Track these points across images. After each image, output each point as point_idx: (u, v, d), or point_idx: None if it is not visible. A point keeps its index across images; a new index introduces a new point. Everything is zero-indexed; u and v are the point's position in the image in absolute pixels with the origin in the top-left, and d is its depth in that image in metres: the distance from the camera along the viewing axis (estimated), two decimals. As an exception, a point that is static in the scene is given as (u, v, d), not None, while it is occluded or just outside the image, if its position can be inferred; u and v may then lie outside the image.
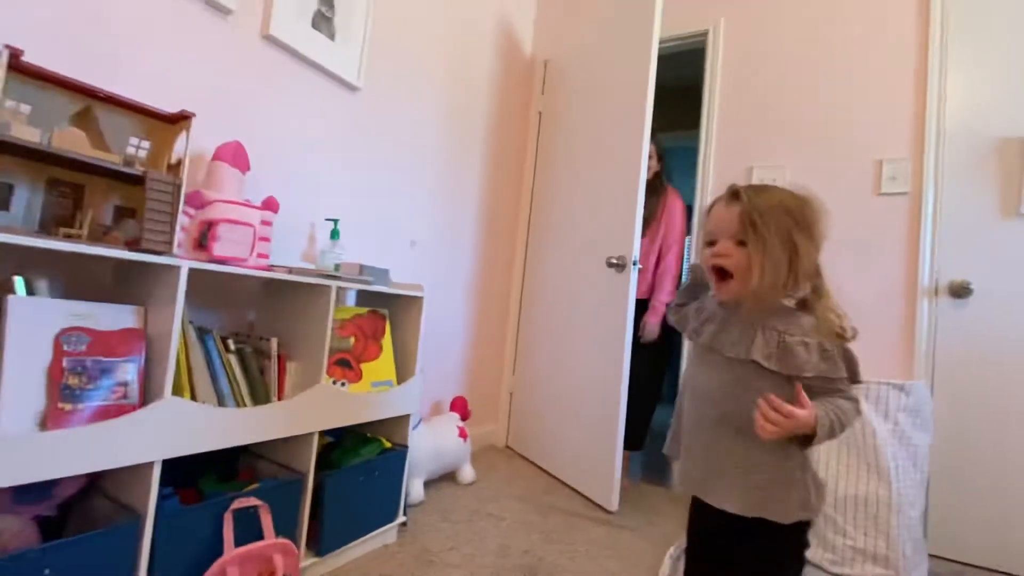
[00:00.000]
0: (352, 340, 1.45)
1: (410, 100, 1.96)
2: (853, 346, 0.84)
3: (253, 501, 1.09)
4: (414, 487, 1.79)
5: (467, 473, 2.05)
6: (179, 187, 1.00)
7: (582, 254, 2.22)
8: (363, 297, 1.66)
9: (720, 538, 0.91)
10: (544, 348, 2.43)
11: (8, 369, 0.80)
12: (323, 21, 1.59)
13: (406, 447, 1.53)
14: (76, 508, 1.00)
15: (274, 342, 1.27)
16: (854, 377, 0.84)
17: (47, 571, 0.80)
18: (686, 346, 2.18)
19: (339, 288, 1.35)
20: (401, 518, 1.52)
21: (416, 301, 1.59)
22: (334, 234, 1.57)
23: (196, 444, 1.00)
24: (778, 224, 0.81)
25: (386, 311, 1.59)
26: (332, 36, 1.62)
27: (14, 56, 0.82)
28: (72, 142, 0.96)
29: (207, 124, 1.26)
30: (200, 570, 0.99)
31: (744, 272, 0.83)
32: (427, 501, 1.81)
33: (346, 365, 1.41)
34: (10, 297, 0.82)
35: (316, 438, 1.25)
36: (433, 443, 1.87)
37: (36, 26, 1.00)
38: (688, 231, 2.35)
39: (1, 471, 0.75)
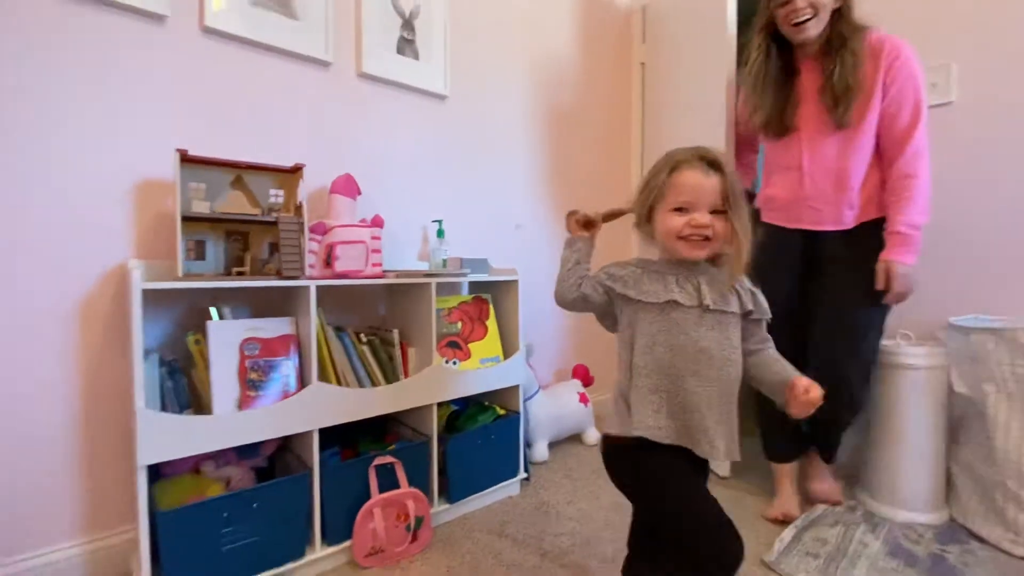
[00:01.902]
0: (460, 324, 1.67)
1: (496, 91, 2.07)
2: None
3: (389, 459, 1.40)
4: (539, 448, 1.99)
5: (591, 435, 2.18)
6: (302, 224, 1.30)
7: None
8: (474, 284, 1.87)
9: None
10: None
11: (214, 372, 1.18)
12: (406, 45, 1.79)
13: (518, 413, 1.72)
14: (279, 461, 1.41)
15: (396, 333, 1.55)
16: (767, 316, 1.00)
17: (255, 504, 1.18)
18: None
19: (441, 282, 1.58)
20: (523, 474, 1.74)
21: (513, 284, 1.74)
22: (439, 233, 1.80)
23: (339, 416, 1.32)
24: (741, 194, 0.91)
25: (489, 296, 1.78)
26: (416, 56, 1.81)
27: (183, 154, 1.18)
28: (234, 204, 1.33)
29: (323, 162, 1.58)
30: (355, 509, 1.32)
31: (723, 238, 0.91)
32: (552, 460, 2.00)
33: (456, 346, 1.64)
34: (209, 323, 1.20)
35: (435, 409, 1.51)
36: (554, 409, 2.04)
37: (194, 125, 1.38)
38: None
39: (217, 438, 1.14)
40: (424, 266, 1.81)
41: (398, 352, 1.55)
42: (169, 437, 1.07)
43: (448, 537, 1.46)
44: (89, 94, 1.21)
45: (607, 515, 1.59)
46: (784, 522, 1.53)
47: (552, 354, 2.32)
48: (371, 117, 1.72)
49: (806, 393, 0.86)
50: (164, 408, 1.18)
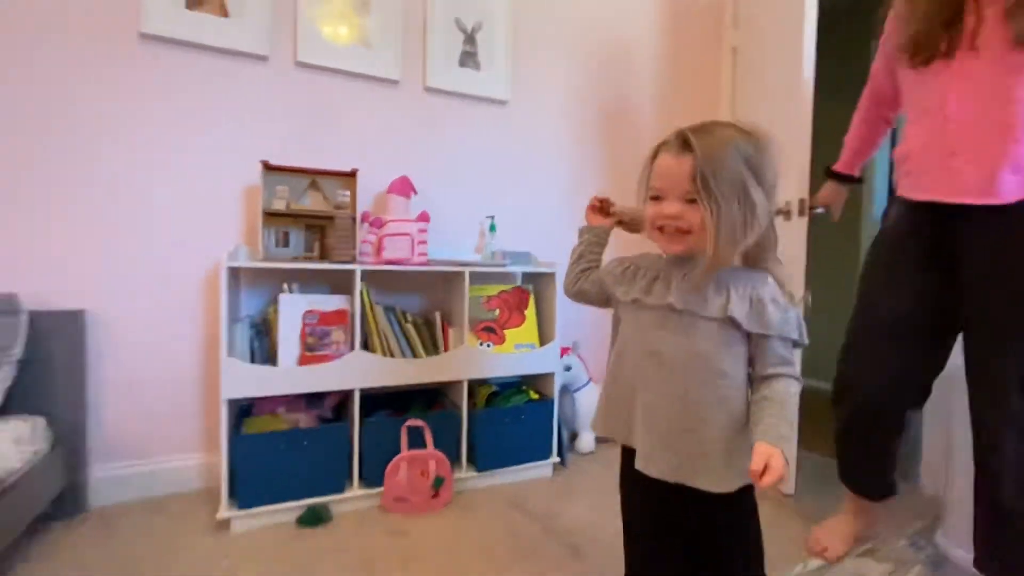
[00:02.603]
0: (497, 311, 1.82)
1: (561, 89, 2.16)
2: None
3: (419, 423, 1.60)
4: (585, 438, 2.03)
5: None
6: (353, 219, 1.57)
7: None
8: (525, 275, 1.99)
9: (683, 517, 0.85)
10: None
11: (281, 334, 1.50)
12: (469, 57, 1.98)
13: (551, 399, 1.80)
14: (341, 413, 1.71)
15: (438, 315, 1.76)
16: (802, 339, 0.81)
17: (305, 443, 1.48)
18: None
19: (487, 271, 1.76)
20: (555, 458, 1.81)
21: (553, 277, 1.82)
22: (492, 228, 1.96)
23: (376, 380, 1.56)
24: (732, 179, 0.73)
25: (530, 286, 1.89)
26: (478, 67, 2.00)
27: (265, 164, 1.52)
28: (313, 203, 1.65)
29: (388, 165, 1.84)
30: (386, 460, 1.55)
31: (701, 229, 0.76)
32: (599, 452, 2.03)
33: (491, 331, 1.79)
34: (280, 296, 1.53)
35: (465, 385, 1.68)
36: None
37: (288, 140, 1.73)
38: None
39: (276, 385, 1.45)
40: (479, 258, 1.99)
41: (440, 332, 1.75)
42: (242, 380, 1.41)
43: (469, 501, 1.62)
44: (211, 120, 1.63)
45: (627, 508, 1.59)
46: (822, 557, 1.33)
47: (604, 349, 2.33)
48: (435, 124, 1.94)
49: (758, 477, 0.70)
50: (253, 360, 1.53)
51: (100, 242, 1.52)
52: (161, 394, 1.60)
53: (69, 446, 1.42)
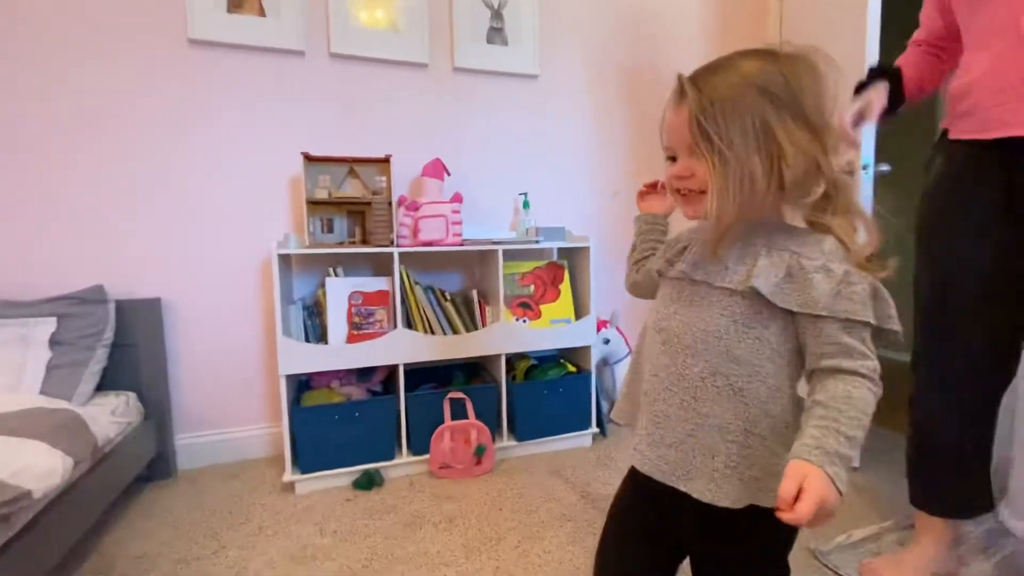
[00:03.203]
0: (532, 287, 1.85)
1: (591, 59, 2.12)
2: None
3: (460, 395, 1.69)
4: (625, 409, 2.06)
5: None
6: (389, 203, 1.65)
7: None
8: (561, 251, 2.01)
9: (674, 533, 0.71)
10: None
11: (330, 315, 1.62)
12: (496, 33, 1.98)
13: (588, 372, 1.84)
14: (389, 386, 1.83)
15: (475, 292, 1.82)
16: (884, 323, 0.59)
17: (357, 414, 1.60)
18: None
19: (522, 248, 1.79)
20: (594, 429, 1.86)
21: (587, 251, 1.83)
22: (525, 204, 1.98)
23: (417, 356, 1.65)
24: (743, 116, 0.58)
25: (564, 262, 1.91)
26: (505, 42, 1.99)
27: (305, 155, 1.61)
28: (353, 190, 1.74)
29: (421, 149, 1.89)
30: (431, 430, 1.65)
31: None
32: (639, 423, 2.05)
33: (527, 307, 1.83)
34: (327, 279, 1.64)
35: (503, 359, 1.74)
36: (642, 373, 2.07)
37: (326, 129, 1.82)
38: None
39: (328, 361, 1.57)
40: (512, 235, 2.02)
41: (477, 309, 1.81)
42: (297, 357, 1.54)
43: (510, 468, 1.70)
44: (255, 116, 1.73)
45: (665, 476, 1.61)
46: None
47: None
48: (465, 105, 1.97)
49: (788, 505, 0.53)
50: (307, 339, 1.66)
51: (169, 237, 1.68)
52: (229, 371, 1.77)
53: (157, 418, 1.61)
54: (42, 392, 1.34)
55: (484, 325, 1.80)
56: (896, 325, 0.59)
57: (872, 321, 0.58)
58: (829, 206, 0.62)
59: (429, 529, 1.36)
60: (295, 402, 1.62)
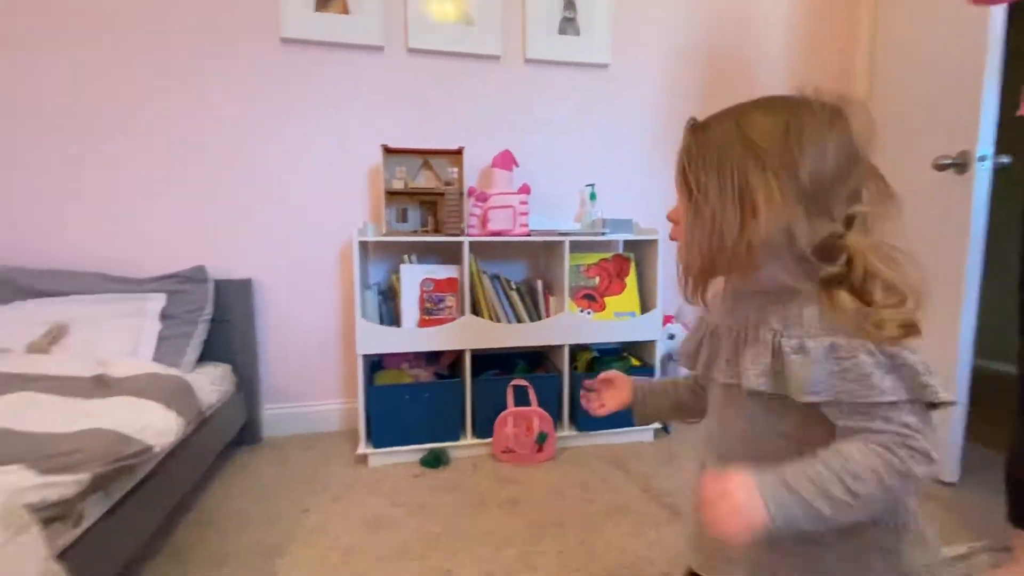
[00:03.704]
0: (597, 280, 1.85)
1: (666, 48, 2.06)
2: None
3: (523, 382, 1.72)
4: (688, 406, 2.02)
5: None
6: (461, 193, 1.70)
7: (904, 152, 1.71)
8: (627, 243, 1.99)
9: None
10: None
11: (403, 300, 1.70)
12: (568, 24, 1.98)
13: (652, 366, 1.82)
14: (455, 370, 1.89)
15: (540, 283, 1.84)
16: (919, 394, 0.49)
17: (426, 394, 1.67)
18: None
19: (587, 240, 1.79)
20: (657, 424, 1.84)
21: (655, 244, 1.81)
22: (592, 196, 1.97)
23: (484, 343, 1.70)
24: (723, 167, 0.54)
25: (631, 254, 1.89)
26: (578, 32, 1.98)
27: (385, 147, 1.69)
28: (427, 181, 1.81)
29: (492, 140, 1.93)
30: (494, 415, 1.70)
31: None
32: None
33: (591, 299, 1.83)
34: (402, 266, 1.71)
35: (566, 349, 1.76)
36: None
37: (405, 122, 1.89)
38: None
39: (401, 344, 1.65)
40: (579, 227, 2.02)
41: (542, 299, 1.84)
42: (373, 339, 1.63)
43: (571, 457, 1.72)
44: (338, 110, 1.83)
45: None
46: None
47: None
48: (536, 96, 1.99)
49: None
50: (382, 322, 1.75)
51: (260, 223, 1.82)
52: (309, 349, 1.90)
53: (248, 388, 1.76)
54: (154, 359, 1.50)
55: (548, 315, 1.82)
56: (936, 395, 0.49)
57: (893, 398, 0.49)
58: (800, 266, 0.54)
59: (493, 510, 1.41)
60: (368, 381, 1.72)
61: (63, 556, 0.83)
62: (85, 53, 1.65)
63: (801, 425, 0.55)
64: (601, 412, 0.80)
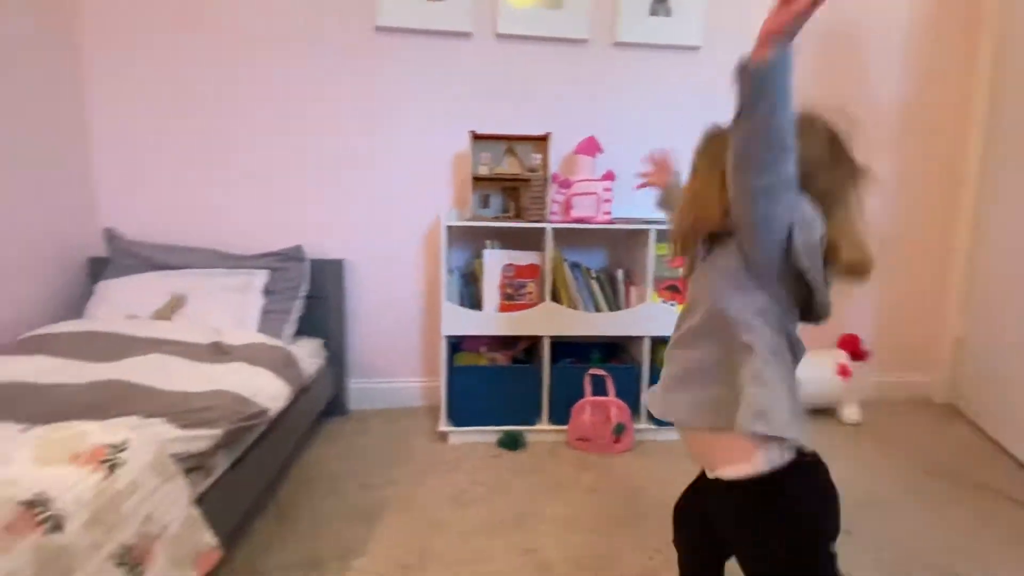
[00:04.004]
0: (681, 270, 1.79)
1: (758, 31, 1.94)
2: None
3: (602, 372, 1.71)
4: (772, 406, 1.93)
5: (848, 413, 1.95)
6: (545, 180, 1.69)
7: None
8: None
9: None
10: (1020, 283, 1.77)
11: (484, 285, 1.72)
12: (659, 5, 1.90)
13: (737, 363, 1.75)
14: (529, 356, 1.91)
15: (620, 272, 1.81)
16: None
17: (506, 378, 1.70)
18: None
19: (665, 229, 1.73)
20: (738, 423, 1.77)
21: (746, 234, 1.72)
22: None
23: (563, 330, 1.70)
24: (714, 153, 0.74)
25: (719, 245, 1.81)
26: (669, 13, 1.91)
27: (473, 134, 1.71)
28: (510, 167, 1.82)
29: (576, 126, 1.90)
30: (569, 402, 1.70)
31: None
32: (787, 423, 1.92)
33: (675, 290, 1.78)
34: (484, 251, 1.74)
35: (646, 341, 1.72)
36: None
37: (489, 107, 1.90)
38: None
39: (482, 327, 1.69)
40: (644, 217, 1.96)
41: (622, 289, 1.81)
42: (457, 321, 1.68)
43: (648, 449, 1.70)
44: (426, 95, 1.87)
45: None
46: None
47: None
48: (623, 80, 1.94)
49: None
50: (461, 306, 1.79)
51: (351, 206, 1.90)
52: (393, 327, 1.98)
53: (337, 362, 1.86)
54: (258, 331, 1.61)
55: (628, 305, 1.79)
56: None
57: None
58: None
59: (574, 494, 1.42)
60: (449, 361, 1.77)
61: (198, 503, 0.92)
62: (199, 41, 1.78)
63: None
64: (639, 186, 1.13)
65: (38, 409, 0.96)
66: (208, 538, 0.86)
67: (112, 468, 0.75)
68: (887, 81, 2.01)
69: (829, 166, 0.68)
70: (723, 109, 1.98)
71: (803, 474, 0.66)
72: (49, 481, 0.69)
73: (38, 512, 0.65)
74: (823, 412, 2.00)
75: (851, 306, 2.13)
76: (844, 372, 1.94)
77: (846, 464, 1.62)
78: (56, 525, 0.65)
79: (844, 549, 1.19)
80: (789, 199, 0.62)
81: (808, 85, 1.96)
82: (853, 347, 2.01)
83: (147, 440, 0.83)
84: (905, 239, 2.11)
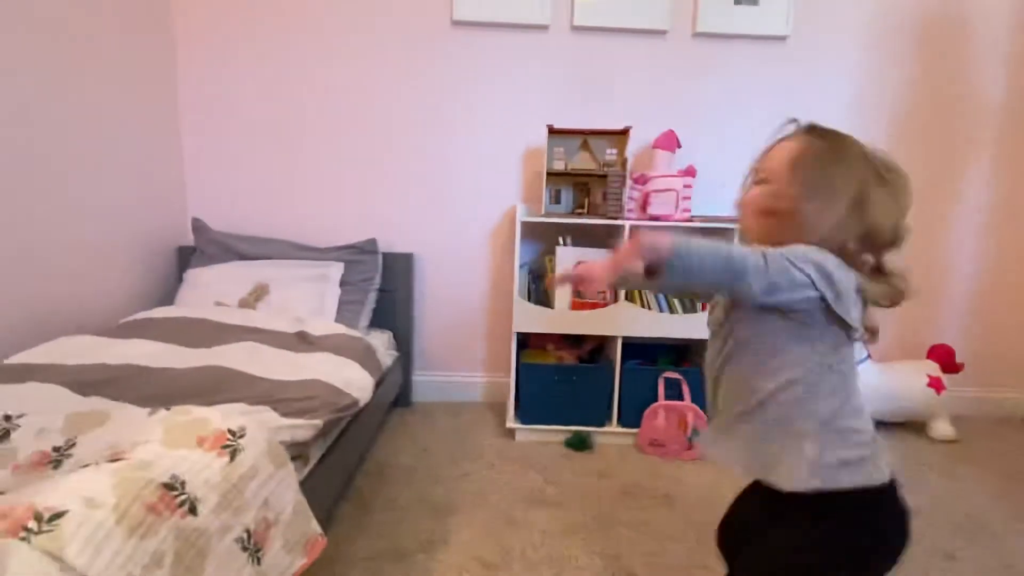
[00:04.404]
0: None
1: (855, 15, 1.83)
2: None
3: (676, 375, 1.66)
4: (854, 418, 1.82)
5: (940, 428, 1.82)
6: (624, 176, 1.65)
7: None
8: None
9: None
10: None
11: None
12: (746, -7, 1.82)
13: (821, 371, 1.66)
14: (596, 356, 1.88)
15: (697, 272, 1.75)
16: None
17: (574, 377, 1.67)
18: None
19: None
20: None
21: (836, 236, 1.63)
22: (759, 181, 1.83)
23: (635, 330, 1.66)
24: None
25: (804, 246, 1.72)
26: (755, 2, 1.82)
27: (550, 128, 1.68)
28: (582, 162, 1.79)
29: (653, 119, 1.84)
30: (644, 406, 1.66)
31: None
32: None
33: (756, 292, 1.70)
34: (557, 248, 1.71)
35: (724, 344, 1.66)
36: (880, 382, 1.80)
37: (562, 101, 1.87)
38: None
39: (552, 324, 1.67)
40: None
41: (698, 289, 1.74)
42: (528, 318, 1.66)
43: (722, 457, 1.64)
44: (500, 89, 1.86)
45: (920, 506, 1.38)
46: None
47: (901, 325, 1.98)
48: (704, 72, 1.86)
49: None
50: (529, 301, 1.78)
51: (422, 201, 1.92)
52: (459, 322, 1.99)
53: (405, 354, 1.89)
54: (336, 321, 1.65)
55: (704, 308, 1.72)
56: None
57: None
58: None
59: (647, 501, 1.38)
60: (516, 358, 1.76)
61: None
62: (282, 40, 1.83)
63: None
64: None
65: (149, 391, 1.01)
66: (314, 525, 0.88)
67: (233, 453, 0.77)
68: (998, 71, 1.85)
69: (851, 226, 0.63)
70: (812, 103, 1.89)
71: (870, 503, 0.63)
72: (182, 464, 0.72)
73: (176, 495, 0.67)
74: (911, 426, 1.88)
75: (944, 314, 1.99)
76: (936, 384, 1.81)
77: (940, 483, 1.52)
78: (191, 508, 0.67)
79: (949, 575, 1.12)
80: (789, 279, 0.58)
81: (894, 80, 1.84)
82: (945, 358, 1.87)
83: (261, 427, 0.85)
84: (1007, 244, 1.95)
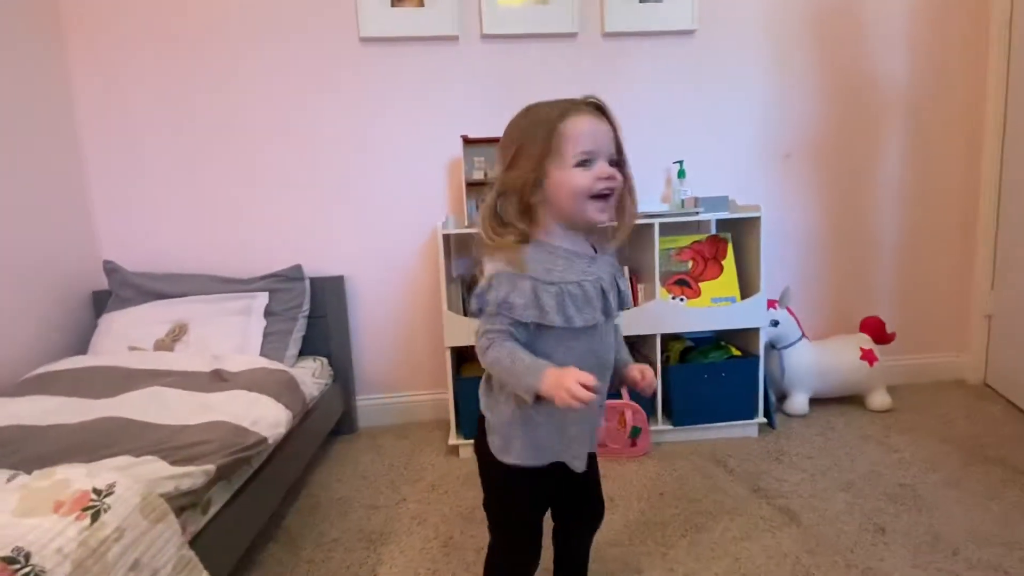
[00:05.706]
0: (690, 263, 1.73)
1: (757, 8, 1.87)
2: None
3: (613, 375, 1.65)
4: (796, 400, 1.85)
5: (876, 399, 1.85)
6: (543, 180, 1.64)
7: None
8: (721, 222, 1.84)
9: None
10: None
11: (487, 290, 1.68)
12: (650, -10, 1.84)
13: (756, 356, 1.67)
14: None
15: (626, 269, 1.75)
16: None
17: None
18: None
19: (678, 221, 1.68)
20: (760, 418, 1.70)
21: (755, 221, 1.65)
22: (680, 174, 1.85)
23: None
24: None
25: (728, 235, 1.74)
26: (660, -1, 1.84)
27: (464, 138, 1.67)
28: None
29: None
30: (584, 408, 1.64)
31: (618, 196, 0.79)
32: (813, 416, 1.84)
33: (685, 284, 1.71)
34: (485, 257, 1.69)
35: (658, 339, 1.66)
36: (819, 361, 1.83)
37: (478, 110, 1.86)
38: None
39: (487, 336, 1.63)
40: (667, 207, 1.90)
41: (628, 287, 1.74)
42: (460, 330, 1.63)
43: (667, 452, 1.63)
44: (414, 102, 1.84)
45: (855, 479, 1.42)
46: None
47: (832, 301, 2.03)
48: (615, 70, 1.88)
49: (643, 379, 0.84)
50: (466, 315, 1.75)
51: (348, 222, 1.88)
52: (398, 341, 1.95)
53: (344, 380, 1.84)
54: (261, 354, 1.59)
55: (635, 304, 1.73)
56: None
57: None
58: None
59: (589, 506, 1.36)
60: (455, 372, 1.73)
61: (194, 542, 0.88)
62: (185, 68, 1.77)
63: None
64: None
65: (32, 452, 0.94)
66: (204, 579, 0.83)
67: (96, 515, 0.72)
68: (897, 51, 1.92)
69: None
70: (722, 92, 1.93)
71: None
72: (29, 534, 0.66)
73: (16, 569, 0.62)
74: (850, 400, 1.91)
75: (873, 287, 2.04)
76: (869, 357, 1.85)
77: (876, 453, 1.55)
78: (35, 581, 0.62)
79: (879, 548, 1.13)
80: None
81: (798, 69, 1.89)
82: (876, 330, 1.92)
83: (134, 481, 0.80)
84: (926, 214, 2.01)
